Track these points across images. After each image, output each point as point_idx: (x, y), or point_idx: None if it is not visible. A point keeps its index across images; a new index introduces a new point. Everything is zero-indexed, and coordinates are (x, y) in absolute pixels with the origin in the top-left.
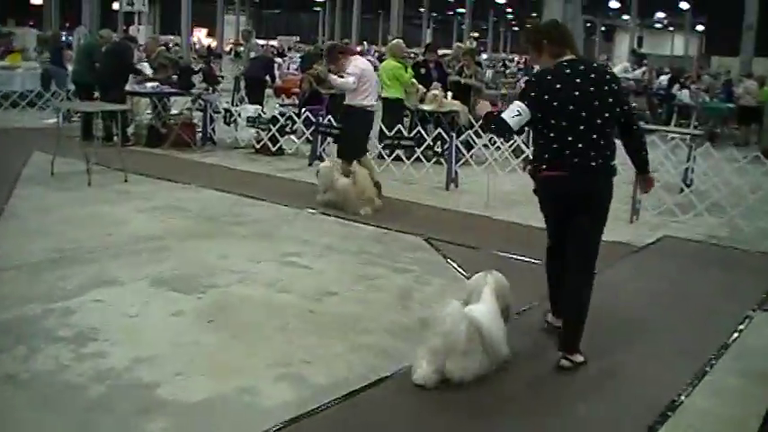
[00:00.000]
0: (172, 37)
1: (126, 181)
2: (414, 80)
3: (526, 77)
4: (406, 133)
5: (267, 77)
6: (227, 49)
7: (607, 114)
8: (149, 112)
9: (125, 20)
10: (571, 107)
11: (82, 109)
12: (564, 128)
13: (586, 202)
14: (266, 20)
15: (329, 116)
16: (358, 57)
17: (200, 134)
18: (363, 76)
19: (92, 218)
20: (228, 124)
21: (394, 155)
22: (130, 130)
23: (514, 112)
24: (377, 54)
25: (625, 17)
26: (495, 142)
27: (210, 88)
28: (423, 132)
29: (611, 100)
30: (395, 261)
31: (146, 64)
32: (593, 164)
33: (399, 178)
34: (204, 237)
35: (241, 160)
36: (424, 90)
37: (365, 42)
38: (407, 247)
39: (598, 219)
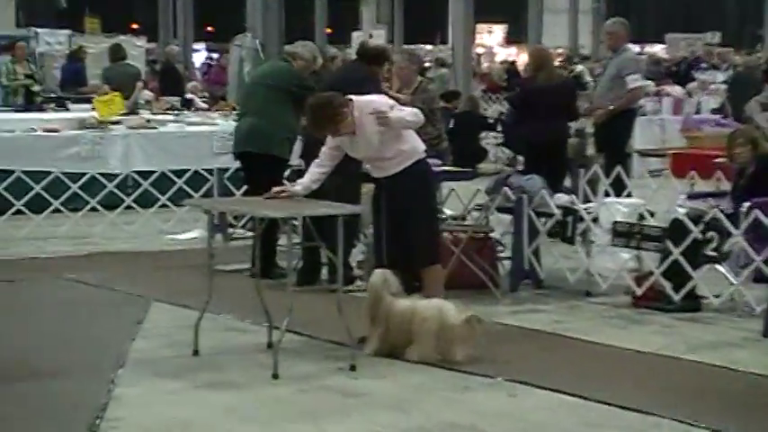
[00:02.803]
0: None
1: (352, 369)
2: None
3: None
4: None
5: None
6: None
7: None
8: None
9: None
10: None
11: (260, 213)
12: None
13: None
14: None
15: None
16: None
17: (511, 263)
18: None
19: None
20: (569, 239)
21: None
22: (357, 254)
23: None
24: None
25: None
26: None
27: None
28: None
29: None
30: None
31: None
32: None
33: None
34: None
35: (594, 324)
36: None
37: None
38: None
39: None
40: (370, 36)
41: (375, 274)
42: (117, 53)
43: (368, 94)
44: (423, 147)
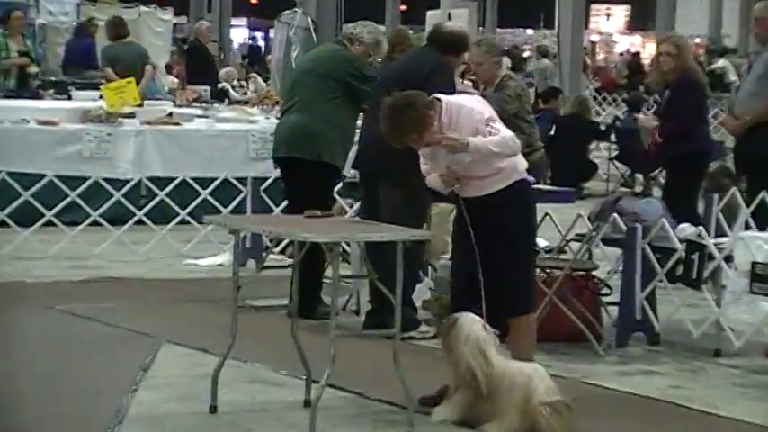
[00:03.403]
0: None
1: None
2: None
3: None
4: None
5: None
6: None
7: None
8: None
9: None
10: None
11: (300, 236)
12: None
13: None
14: None
15: None
16: None
17: (618, 310)
18: None
19: None
20: (695, 282)
21: None
22: (423, 291)
23: None
24: None
25: None
26: None
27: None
28: None
29: None
30: None
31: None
32: None
33: None
34: None
35: (723, 392)
36: None
37: None
38: None
39: None
40: (449, 16)
41: (471, 320)
42: (118, 29)
43: (436, 92)
44: (525, 164)
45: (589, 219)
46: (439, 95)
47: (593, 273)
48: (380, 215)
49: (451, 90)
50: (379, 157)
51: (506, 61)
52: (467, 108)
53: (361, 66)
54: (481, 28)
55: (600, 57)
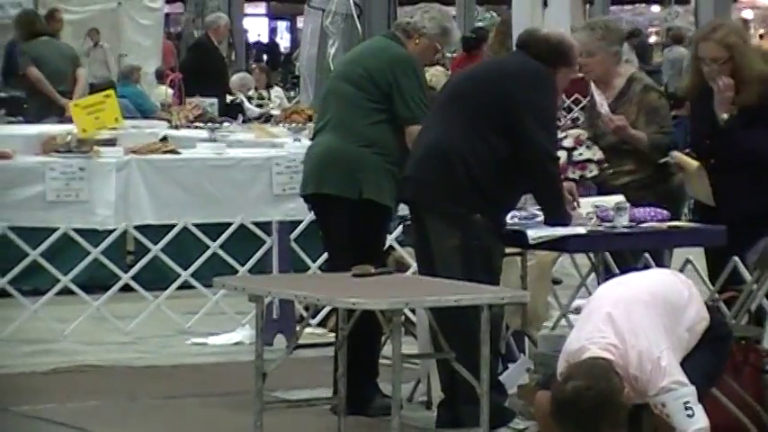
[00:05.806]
0: None
1: None
2: None
3: None
4: None
5: None
6: None
7: None
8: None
9: None
10: None
11: (347, 302)
12: None
13: None
14: None
15: None
16: None
17: None
18: None
19: None
20: None
21: None
22: (518, 372)
23: None
24: None
25: None
26: None
27: None
28: None
29: None
30: None
31: None
32: None
33: None
34: None
35: None
36: None
37: None
38: None
39: None
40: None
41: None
42: (33, 25)
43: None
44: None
45: (747, 265)
46: (600, 347)
47: (758, 342)
48: (432, 263)
49: (552, 127)
50: (424, 180)
51: (627, 51)
52: (645, 354)
53: (413, 74)
54: (588, 5)
55: (759, 34)
